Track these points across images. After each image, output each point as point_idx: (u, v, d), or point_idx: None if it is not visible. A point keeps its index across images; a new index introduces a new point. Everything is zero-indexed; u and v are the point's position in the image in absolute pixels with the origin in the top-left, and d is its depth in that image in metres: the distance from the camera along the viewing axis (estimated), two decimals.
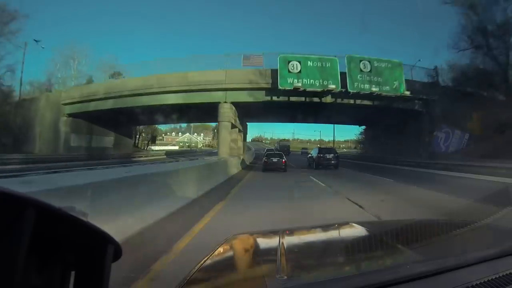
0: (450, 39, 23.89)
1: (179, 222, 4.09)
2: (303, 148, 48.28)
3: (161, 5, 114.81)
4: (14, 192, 0.39)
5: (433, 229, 1.47)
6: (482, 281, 0.77)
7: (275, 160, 14.75)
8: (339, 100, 16.67)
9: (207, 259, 1.06)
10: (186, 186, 5.84)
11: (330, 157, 15.99)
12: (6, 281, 0.39)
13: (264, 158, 15.65)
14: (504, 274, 0.81)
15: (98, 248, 0.57)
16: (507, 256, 0.92)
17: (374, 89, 15.78)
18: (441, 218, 2.39)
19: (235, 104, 16.80)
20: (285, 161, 14.90)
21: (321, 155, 16.06)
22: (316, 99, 16.65)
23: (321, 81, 15.82)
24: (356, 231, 1.42)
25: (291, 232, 1.46)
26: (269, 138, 76.33)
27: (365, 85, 15.94)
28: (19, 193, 0.40)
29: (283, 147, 43.58)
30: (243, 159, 17.53)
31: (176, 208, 4.69)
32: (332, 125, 38.22)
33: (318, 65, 16.09)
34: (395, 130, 20.96)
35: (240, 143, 22.31)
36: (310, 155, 18.69)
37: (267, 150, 23.04)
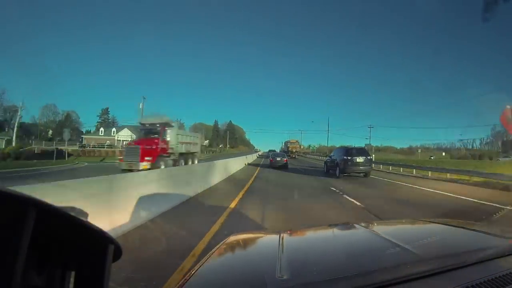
0: None
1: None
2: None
3: None
4: (14, 192, 0.39)
5: (433, 229, 1.47)
6: (482, 281, 0.77)
7: (278, 159, 19.50)
8: None
9: (207, 259, 1.06)
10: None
11: (361, 161, 12.15)
12: (6, 281, 0.39)
13: (270, 158, 20.80)
14: (504, 274, 0.81)
15: (98, 248, 0.57)
16: (507, 256, 0.92)
17: None
18: (441, 219, 2.39)
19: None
20: (286, 159, 19.85)
21: (349, 157, 12.10)
22: None
23: None
24: (356, 231, 1.42)
25: (291, 232, 1.46)
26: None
27: None
28: (20, 193, 0.40)
29: (291, 150, 40.77)
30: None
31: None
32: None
33: None
34: None
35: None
36: (329, 158, 14.80)
37: (270, 151, 28.72)
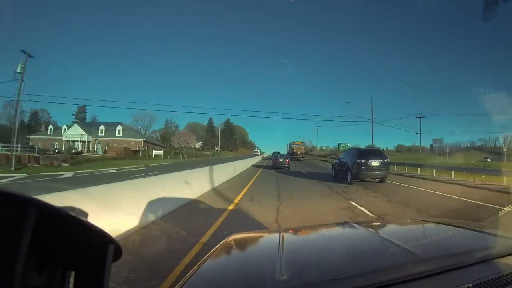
0: None
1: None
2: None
3: None
4: (14, 192, 0.39)
5: (433, 229, 1.47)
6: (482, 281, 0.77)
7: (281, 160, 20.65)
8: None
9: (207, 258, 1.06)
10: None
11: (377, 164, 10.65)
12: (6, 281, 0.39)
13: (272, 159, 21.88)
14: (504, 274, 0.81)
15: (98, 248, 0.57)
16: (507, 256, 0.92)
17: None
18: (441, 218, 2.39)
19: None
20: (288, 160, 21.14)
21: (363, 160, 10.60)
22: None
23: None
24: (356, 231, 1.42)
25: (291, 232, 1.46)
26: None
27: None
28: (20, 193, 0.40)
29: (295, 152, 38.73)
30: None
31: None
32: None
33: None
34: None
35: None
36: (338, 161, 13.18)
37: (274, 152, 29.99)
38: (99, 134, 45.95)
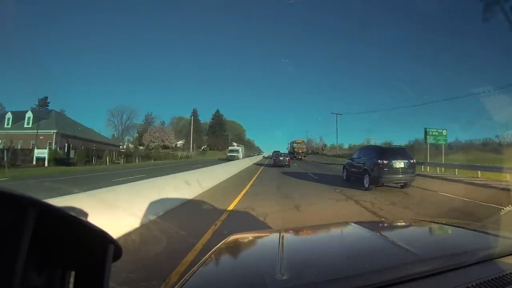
0: None
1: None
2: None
3: None
4: (15, 192, 0.39)
5: (433, 229, 1.47)
6: (482, 281, 0.77)
7: (281, 158, 21.49)
8: None
9: (207, 258, 1.06)
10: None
11: (402, 166, 8.79)
12: (6, 281, 0.39)
13: (273, 158, 22.97)
14: (504, 274, 0.81)
15: (98, 248, 0.57)
16: (507, 256, 0.92)
17: None
18: (441, 219, 2.39)
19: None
20: (288, 159, 22.03)
21: (385, 161, 8.72)
22: None
23: None
24: (356, 231, 1.42)
25: (291, 232, 1.46)
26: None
27: None
28: (20, 193, 0.40)
29: (296, 151, 37.59)
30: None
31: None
32: None
33: None
34: None
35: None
36: (350, 161, 11.17)
37: (274, 151, 30.22)
38: (5, 126, 32.56)
